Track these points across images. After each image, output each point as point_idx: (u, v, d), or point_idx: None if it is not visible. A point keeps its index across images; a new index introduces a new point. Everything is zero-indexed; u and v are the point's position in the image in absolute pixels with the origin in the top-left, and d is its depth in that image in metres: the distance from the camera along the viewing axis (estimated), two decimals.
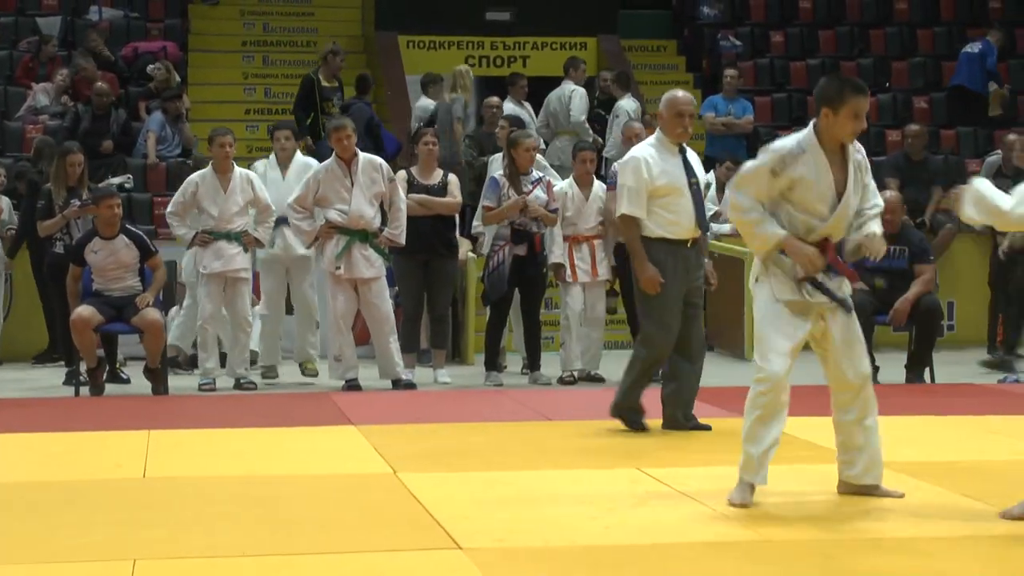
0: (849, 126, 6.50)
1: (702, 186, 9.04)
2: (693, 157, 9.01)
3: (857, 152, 6.65)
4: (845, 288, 6.67)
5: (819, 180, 6.50)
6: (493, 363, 11.80)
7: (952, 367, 12.43)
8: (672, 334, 8.80)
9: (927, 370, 11.47)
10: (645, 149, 8.80)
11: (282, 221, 11.71)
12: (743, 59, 18.45)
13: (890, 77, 18.83)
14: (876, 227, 6.68)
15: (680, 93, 8.96)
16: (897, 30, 19.44)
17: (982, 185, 6.49)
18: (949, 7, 19.79)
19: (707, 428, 8.90)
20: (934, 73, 18.79)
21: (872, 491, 6.75)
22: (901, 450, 8.14)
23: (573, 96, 15.89)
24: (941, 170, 15.34)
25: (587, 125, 15.83)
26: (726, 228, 13.63)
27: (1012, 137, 14.95)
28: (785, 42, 19.30)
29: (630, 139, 11.80)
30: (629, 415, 8.91)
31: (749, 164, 6.69)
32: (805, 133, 6.56)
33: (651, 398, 8.95)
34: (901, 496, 6.71)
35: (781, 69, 18.80)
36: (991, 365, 12.63)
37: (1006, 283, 12.95)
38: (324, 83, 15.57)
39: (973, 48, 17.67)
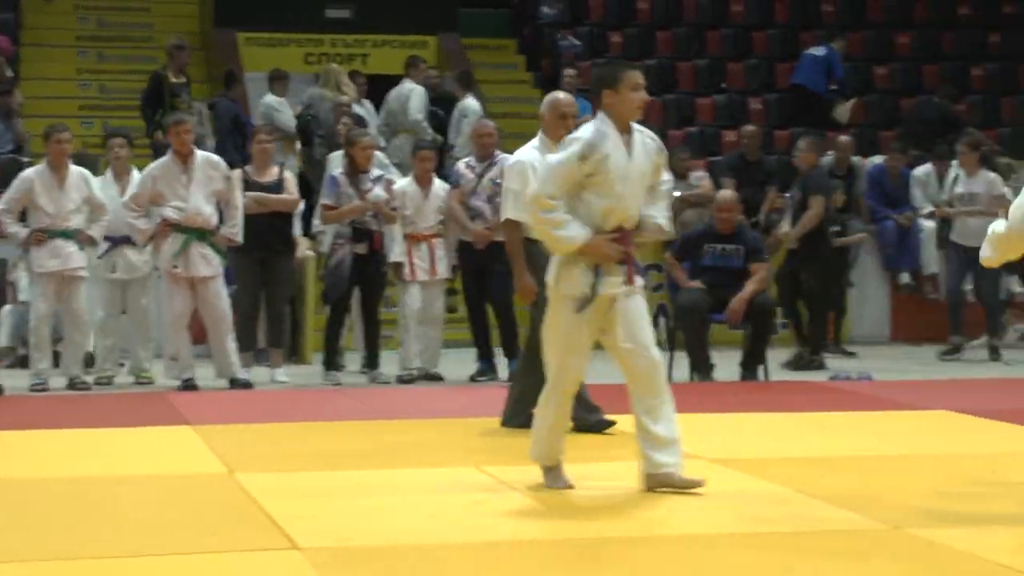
0: (633, 98, 6.60)
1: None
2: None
3: (647, 136, 6.72)
4: (637, 282, 6.71)
5: (620, 160, 6.56)
6: (332, 362, 11.75)
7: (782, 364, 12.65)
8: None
9: (761, 367, 11.63)
10: (530, 152, 8.64)
11: (121, 242, 11.55)
12: (582, 59, 18.54)
13: (725, 78, 19.07)
14: (660, 215, 6.81)
15: (562, 95, 8.99)
16: (732, 32, 19.69)
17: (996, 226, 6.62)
18: (784, 10, 20.10)
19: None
20: (768, 75, 19.08)
21: (673, 481, 6.72)
22: (737, 447, 8.27)
23: (411, 95, 15.88)
24: (775, 170, 15.58)
25: (424, 124, 15.82)
26: None
27: (844, 139, 15.28)
28: (623, 42, 19.43)
29: (482, 137, 11.83)
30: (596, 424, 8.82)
31: (554, 157, 6.67)
32: (597, 120, 6.64)
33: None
34: (702, 483, 6.71)
35: None
36: (795, 366, 12.79)
37: (798, 283, 13.14)
38: (172, 79, 15.33)
39: (817, 52, 17.98)
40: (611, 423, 8.66)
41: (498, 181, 11.60)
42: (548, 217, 6.55)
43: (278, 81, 16.12)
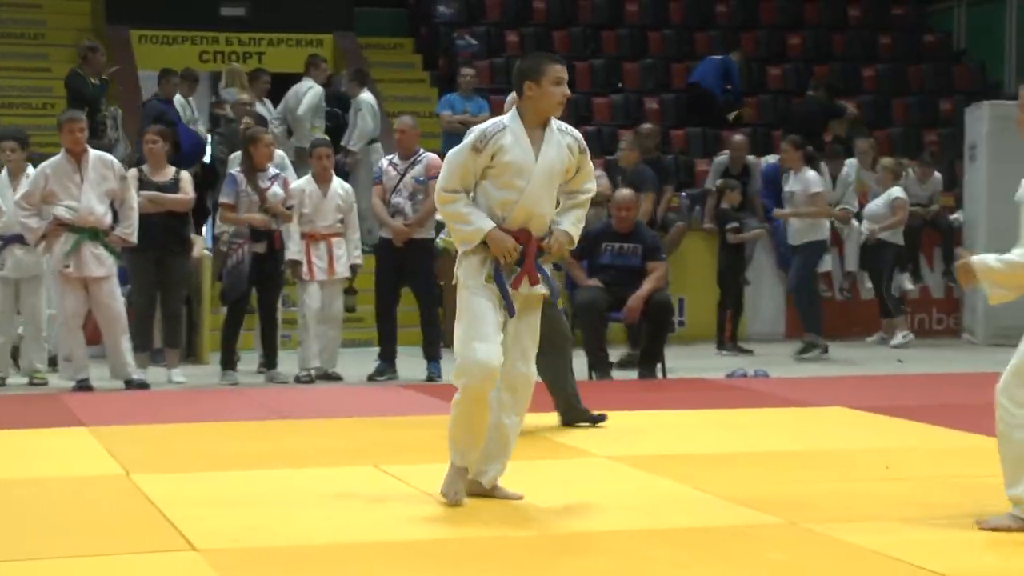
0: (554, 93, 6.48)
1: None
2: None
3: (569, 134, 6.64)
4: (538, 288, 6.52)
5: (519, 153, 6.40)
6: (228, 362, 11.67)
7: (682, 362, 12.74)
8: None
9: (659, 365, 11.70)
10: None
11: (12, 240, 11.40)
12: (479, 58, 18.58)
13: (621, 78, 19.17)
14: (569, 223, 6.59)
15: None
16: (628, 32, 19.80)
17: (988, 262, 6.40)
18: (679, 10, 20.25)
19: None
20: (664, 74, 19.20)
21: (493, 492, 6.62)
22: (635, 444, 8.31)
23: (308, 93, 15.83)
24: (672, 169, 15.67)
25: (308, 122, 15.74)
26: None
27: (739, 138, 15.42)
28: (520, 42, 19.47)
29: (403, 134, 11.82)
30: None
31: (452, 150, 6.53)
32: (508, 114, 6.58)
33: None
34: (520, 498, 6.56)
35: None
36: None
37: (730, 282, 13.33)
38: (92, 81, 15.12)
39: (716, 57, 18.18)
40: (603, 417, 8.83)
41: (420, 179, 11.64)
42: (449, 211, 6.48)
43: (188, 81, 16.01)
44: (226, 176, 11.66)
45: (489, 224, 6.41)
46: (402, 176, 11.78)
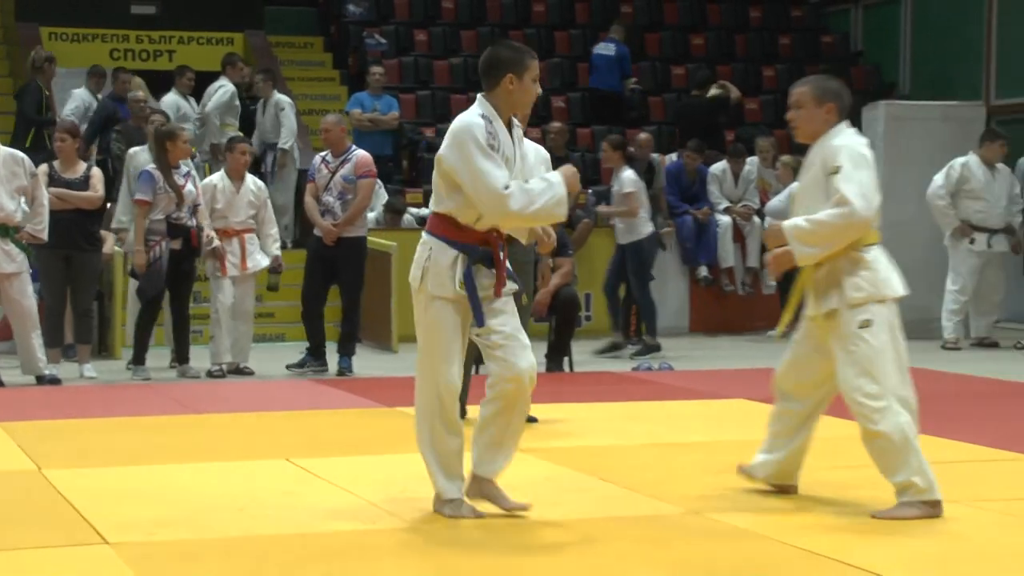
0: (532, 91, 6.12)
1: None
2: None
3: (531, 140, 6.50)
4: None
5: (508, 150, 6.05)
6: (141, 357, 11.59)
7: (589, 356, 12.81)
8: None
9: (566, 359, 11.75)
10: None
11: None
12: (388, 57, 18.54)
13: None
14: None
15: None
16: (535, 31, 19.83)
17: (797, 222, 6.29)
18: (584, 11, 20.33)
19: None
20: (571, 74, 19.26)
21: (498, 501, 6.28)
22: (541, 436, 8.34)
23: (218, 91, 15.76)
24: (580, 166, 15.71)
25: (217, 119, 15.65)
26: None
27: (644, 136, 15.52)
28: (429, 41, 19.49)
29: (330, 132, 11.76)
30: None
31: (469, 158, 5.92)
32: (481, 107, 6.08)
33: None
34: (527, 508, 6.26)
35: (425, 67, 18.99)
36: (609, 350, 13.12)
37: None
38: (46, 92, 14.98)
39: (607, 50, 18.22)
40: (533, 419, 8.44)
41: (349, 177, 11.60)
42: (524, 204, 5.94)
43: (96, 77, 15.88)
44: (142, 173, 11.49)
45: (556, 176, 6.06)
46: (333, 174, 11.71)
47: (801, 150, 6.98)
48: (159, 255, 11.30)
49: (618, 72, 18.21)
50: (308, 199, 11.82)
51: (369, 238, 12.33)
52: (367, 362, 12.30)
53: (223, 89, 15.78)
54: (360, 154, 11.79)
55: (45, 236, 11.01)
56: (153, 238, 11.32)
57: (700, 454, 7.83)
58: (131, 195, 12.05)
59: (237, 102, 15.90)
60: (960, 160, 14.05)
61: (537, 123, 17.76)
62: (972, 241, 13.97)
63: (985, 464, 7.65)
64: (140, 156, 12.36)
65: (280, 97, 15.98)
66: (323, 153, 12.09)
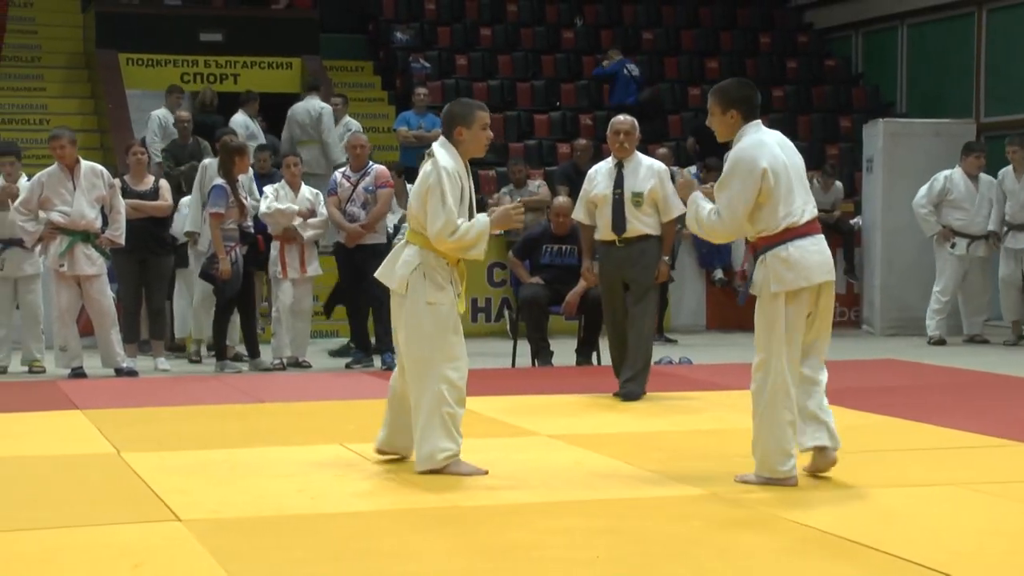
0: (482, 136, 6.63)
1: (627, 196, 9.33)
2: (631, 169, 9.36)
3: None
4: None
5: (466, 189, 6.61)
6: (223, 352, 11.57)
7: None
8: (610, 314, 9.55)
9: (594, 353, 11.71)
10: (596, 165, 9.72)
11: (11, 243, 11.31)
12: (432, 79, 18.55)
13: (560, 97, 19.20)
14: None
15: (619, 116, 9.59)
16: (565, 56, 19.83)
17: (697, 201, 6.54)
18: (608, 37, 20.31)
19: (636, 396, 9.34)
20: (596, 94, 19.23)
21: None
22: (573, 424, 8.32)
23: (323, 113, 15.74)
24: None
25: (327, 137, 15.70)
26: None
27: (663, 151, 15.47)
28: (468, 65, 19.50)
29: (356, 149, 11.79)
30: None
31: (441, 195, 6.47)
32: (449, 153, 6.59)
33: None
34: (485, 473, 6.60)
35: (465, 88, 18.97)
36: None
37: None
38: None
39: (631, 71, 18.20)
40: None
41: (370, 188, 11.61)
42: (460, 236, 6.49)
43: (175, 95, 15.91)
44: (214, 187, 11.43)
45: (484, 217, 6.58)
46: (354, 187, 11.72)
47: (807, 163, 6.96)
48: (235, 259, 11.32)
49: (635, 88, 18.15)
50: (332, 209, 11.81)
51: None
52: None
53: (327, 111, 15.79)
54: (379, 168, 11.86)
55: (123, 241, 11.06)
56: (228, 244, 11.33)
57: (718, 440, 7.78)
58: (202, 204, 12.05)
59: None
60: (944, 173, 14.01)
61: (566, 139, 17.77)
62: (953, 246, 13.90)
63: (976, 450, 7.57)
64: (213, 168, 12.29)
65: (350, 119, 16.04)
66: (342, 169, 12.17)
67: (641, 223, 9.43)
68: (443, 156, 6.58)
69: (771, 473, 6.30)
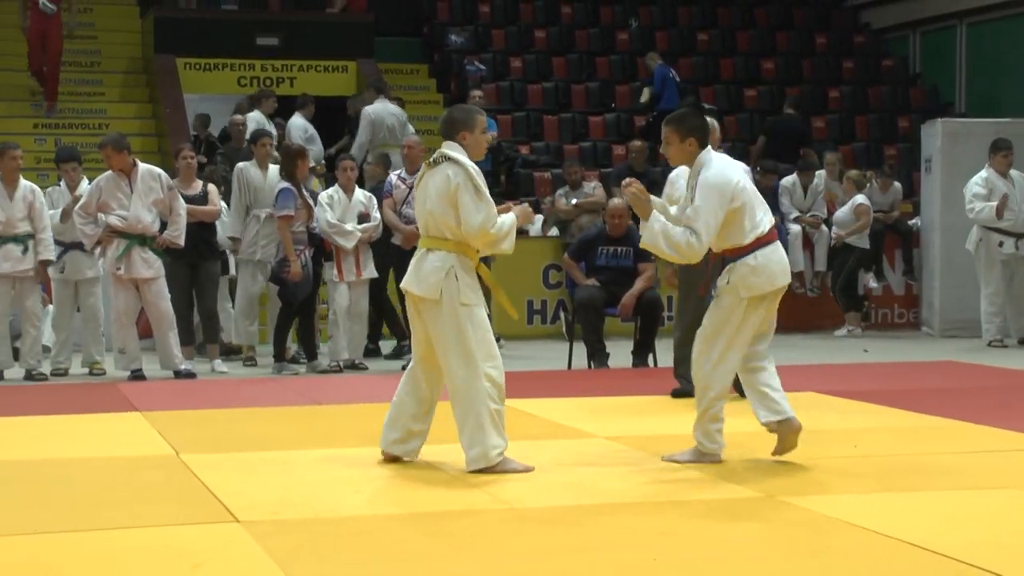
0: (483, 140, 6.89)
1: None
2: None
3: None
4: None
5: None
6: (282, 354, 11.63)
7: (671, 353, 12.68)
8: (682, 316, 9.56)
9: (650, 355, 11.68)
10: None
11: (71, 246, 11.41)
12: (487, 82, 18.58)
13: (614, 99, 19.17)
14: None
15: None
16: (619, 58, 19.80)
17: (656, 222, 6.74)
18: (664, 39, 20.27)
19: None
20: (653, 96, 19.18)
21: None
22: (629, 426, 8.30)
23: (406, 116, 15.72)
24: (658, 180, 15.63)
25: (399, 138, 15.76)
26: None
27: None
28: (523, 67, 19.51)
29: (412, 150, 11.82)
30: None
31: (475, 194, 6.65)
32: (464, 158, 6.74)
33: None
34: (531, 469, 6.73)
35: (520, 91, 19.00)
36: None
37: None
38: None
39: (674, 76, 18.13)
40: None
41: None
42: (500, 228, 6.70)
43: (266, 99, 15.97)
44: (282, 190, 11.46)
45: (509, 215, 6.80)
46: (410, 189, 11.74)
47: (865, 164, 6.99)
48: (304, 263, 11.36)
49: (676, 92, 18.06)
50: (387, 211, 11.82)
51: None
52: None
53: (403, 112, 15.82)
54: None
55: (182, 241, 11.14)
56: (297, 248, 11.37)
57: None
58: (245, 209, 12.09)
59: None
60: (981, 175, 13.75)
61: (621, 140, 17.74)
62: (1001, 244, 13.71)
63: None
64: (250, 171, 12.33)
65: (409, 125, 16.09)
66: (397, 172, 12.21)
67: None
68: (462, 156, 6.73)
69: (705, 450, 6.93)
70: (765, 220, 6.82)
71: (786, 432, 6.91)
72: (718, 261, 6.88)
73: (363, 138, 15.62)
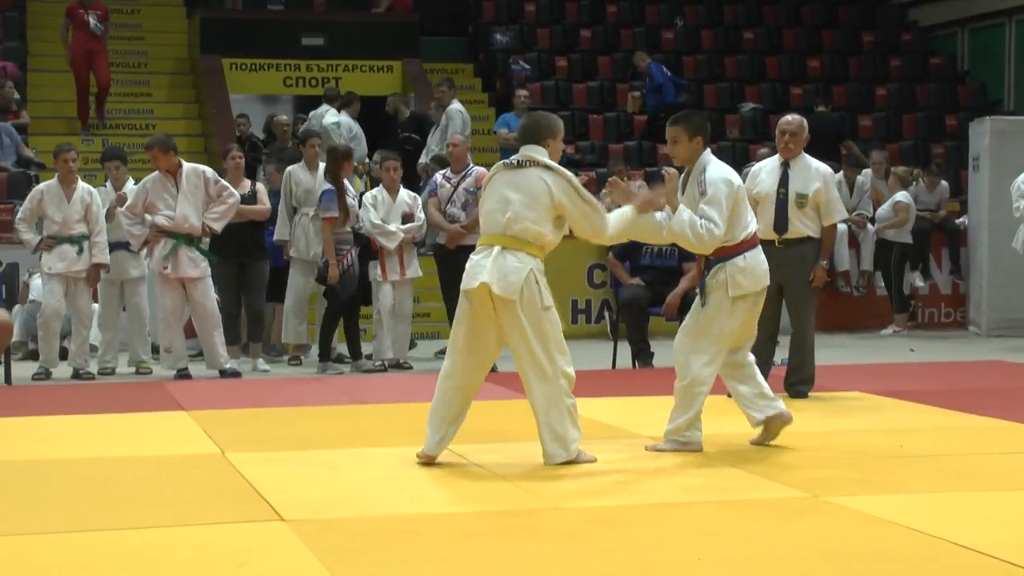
0: (560, 147, 7.05)
1: (792, 197, 9.33)
2: (798, 170, 9.37)
3: None
4: None
5: None
6: (327, 354, 11.66)
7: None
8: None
9: None
10: (760, 163, 9.87)
11: (117, 246, 11.49)
12: (532, 81, 18.58)
13: None
14: None
15: (787, 116, 9.63)
16: (664, 57, 19.73)
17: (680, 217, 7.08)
18: (709, 37, 20.22)
19: (803, 395, 9.51)
20: (697, 95, 19.14)
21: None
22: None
23: (459, 113, 15.69)
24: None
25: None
26: None
27: (765, 151, 15.30)
28: (568, 66, 19.50)
29: (457, 149, 11.83)
30: None
31: (589, 196, 6.88)
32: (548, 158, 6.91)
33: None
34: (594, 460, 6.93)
35: (565, 90, 18.99)
36: None
37: None
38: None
39: (666, 72, 18.00)
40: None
41: (471, 189, 11.64)
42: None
43: (354, 104, 16.01)
44: (325, 192, 11.50)
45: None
46: (455, 188, 11.76)
47: (912, 162, 7.04)
48: (350, 262, 11.39)
49: (672, 87, 17.93)
50: (432, 211, 11.83)
51: None
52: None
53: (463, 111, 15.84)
54: (479, 169, 11.87)
55: (218, 228, 11.11)
56: (343, 248, 11.41)
57: (821, 442, 7.70)
58: (292, 211, 12.15)
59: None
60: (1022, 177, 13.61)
61: (665, 140, 17.66)
62: None
63: None
64: (299, 173, 12.38)
65: (452, 107, 16.05)
66: (442, 171, 12.20)
67: (803, 225, 9.40)
68: (553, 162, 6.87)
69: (684, 439, 7.21)
70: (752, 223, 7.26)
71: (776, 424, 7.36)
72: (702, 261, 7.23)
73: (437, 136, 15.59)
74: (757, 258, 7.21)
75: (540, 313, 6.76)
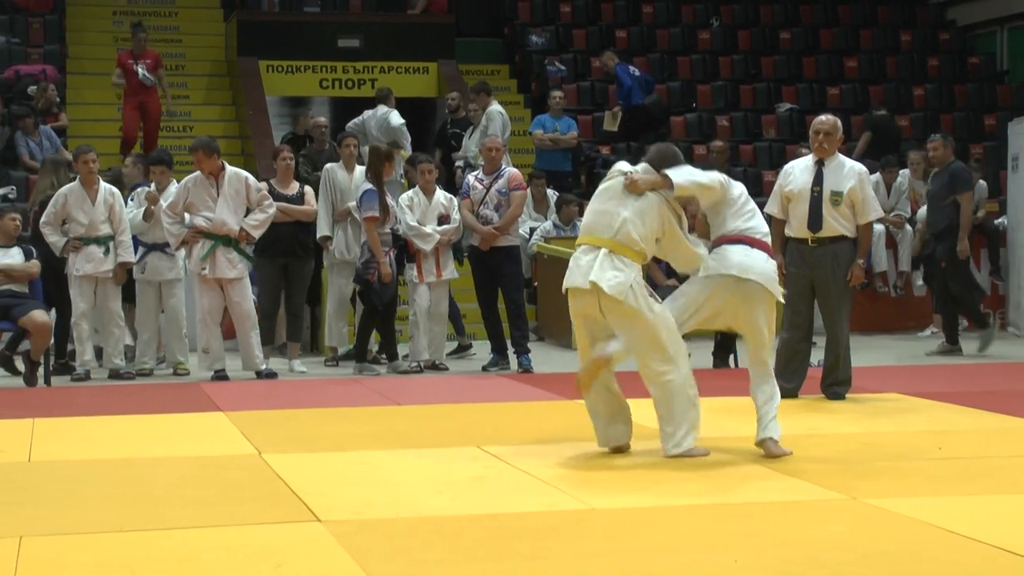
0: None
1: (826, 195, 9.32)
2: (832, 168, 9.38)
3: None
4: None
5: None
6: (363, 355, 11.68)
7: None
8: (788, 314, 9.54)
9: (731, 356, 11.62)
10: (794, 162, 9.82)
11: (154, 248, 11.55)
12: (567, 82, 18.57)
13: (696, 98, 19.09)
14: None
15: (821, 116, 9.65)
16: (701, 57, 19.72)
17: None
18: (746, 38, 20.17)
19: (840, 397, 9.54)
20: (733, 96, 19.10)
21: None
22: (710, 427, 8.23)
23: (499, 116, 15.64)
24: (744, 180, 15.53)
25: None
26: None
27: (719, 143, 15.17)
28: (603, 68, 19.46)
29: (491, 151, 11.84)
30: None
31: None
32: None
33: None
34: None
35: (600, 91, 18.97)
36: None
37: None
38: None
39: (633, 72, 17.88)
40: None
41: (503, 191, 11.64)
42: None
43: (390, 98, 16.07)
44: (367, 191, 11.50)
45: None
46: (488, 190, 11.75)
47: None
48: (391, 263, 11.41)
49: (640, 88, 17.83)
50: (466, 212, 11.81)
51: (548, 245, 12.32)
52: (547, 357, 12.30)
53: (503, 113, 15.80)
54: (511, 171, 11.88)
55: (255, 235, 11.17)
56: (383, 249, 11.41)
57: (858, 444, 7.68)
58: (332, 209, 12.18)
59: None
60: None
61: (703, 140, 17.66)
62: None
63: None
64: (336, 172, 12.41)
65: (491, 109, 16.01)
66: (474, 173, 12.23)
67: (837, 223, 9.38)
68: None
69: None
70: (729, 223, 7.50)
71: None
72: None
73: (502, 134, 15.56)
74: (730, 249, 7.44)
75: (651, 320, 7.00)
